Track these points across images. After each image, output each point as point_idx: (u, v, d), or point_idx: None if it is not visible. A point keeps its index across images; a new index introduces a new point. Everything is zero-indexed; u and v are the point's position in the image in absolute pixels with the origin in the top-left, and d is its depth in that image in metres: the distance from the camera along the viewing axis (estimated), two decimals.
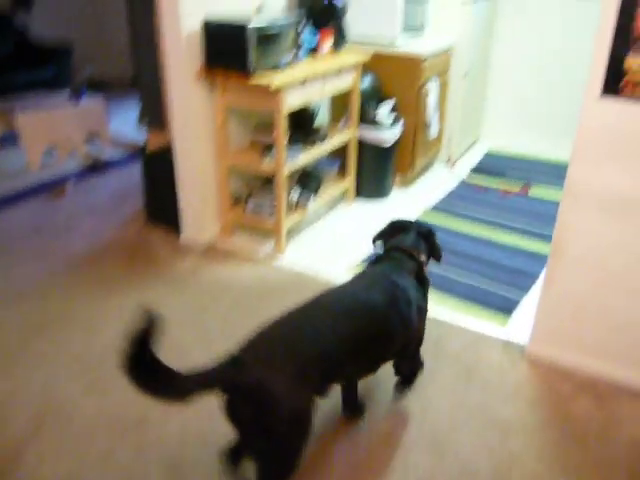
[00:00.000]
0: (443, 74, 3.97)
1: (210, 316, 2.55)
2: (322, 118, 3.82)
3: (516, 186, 4.06)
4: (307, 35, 3.04)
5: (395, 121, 3.54)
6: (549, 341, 2.28)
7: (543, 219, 3.60)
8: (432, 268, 2.18)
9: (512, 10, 4.53)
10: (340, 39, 3.25)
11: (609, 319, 2.13)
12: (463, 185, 4.12)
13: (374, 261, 1.91)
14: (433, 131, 3.88)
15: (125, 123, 5.25)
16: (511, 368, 2.28)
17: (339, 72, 3.10)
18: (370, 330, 1.62)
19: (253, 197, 3.13)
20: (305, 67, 2.84)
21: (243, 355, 1.41)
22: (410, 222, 2.00)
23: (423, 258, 1.90)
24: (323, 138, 3.24)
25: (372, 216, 3.55)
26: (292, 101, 2.75)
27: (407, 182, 3.99)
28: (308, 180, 3.24)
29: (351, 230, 3.38)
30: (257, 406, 1.34)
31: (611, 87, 1.77)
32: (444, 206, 3.73)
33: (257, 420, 1.36)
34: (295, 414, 1.40)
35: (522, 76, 4.70)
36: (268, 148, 2.95)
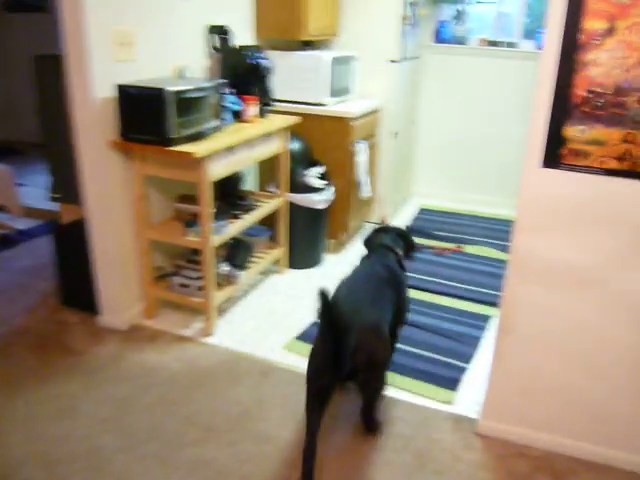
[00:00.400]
0: (372, 135, 3.94)
1: (134, 413, 2.26)
2: (250, 184, 3.68)
3: (450, 245, 4.03)
4: (231, 99, 2.91)
5: (326, 184, 3.44)
6: (501, 417, 2.16)
7: (479, 278, 3.56)
8: None
9: (436, 69, 4.64)
10: (266, 102, 3.14)
11: (563, 394, 2.03)
12: None
13: (365, 257, 2.40)
14: (365, 191, 3.81)
15: (39, 187, 4.90)
16: (464, 449, 2.13)
17: (266, 137, 2.97)
18: (387, 288, 2.11)
19: (179, 272, 2.91)
20: (231, 133, 2.69)
21: (356, 307, 1.89)
22: (390, 227, 2.55)
23: (401, 252, 2.40)
24: (251, 206, 3.08)
25: (306, 287, 3.39)
26: (217, 170, 2.59)
27: (340, 246, 3.88)
28: (238, 252, 3.05)
29: (285, 303, 3.20)
30: (377, 338, 1.86)
31: (551, 158, 1.72)
32: None
33: (376, 349, 1.85)
34: (389, 343, 1.96)
35: (448, 134, 4.79)
36: (193, 219, 2.75)
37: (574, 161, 1.71)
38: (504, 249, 4.04)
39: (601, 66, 1.60)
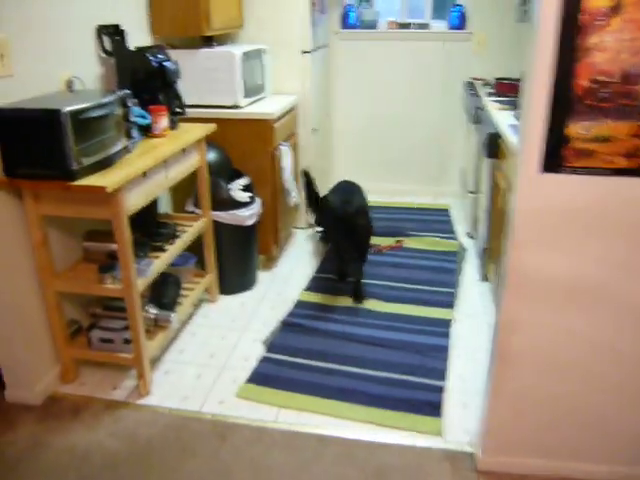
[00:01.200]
0: (293, 134, 3.59)
1: None
2: (164, 204, 3.21)
3: (388, 241, 3.79)
4: (137, 111, 2.44)
5: (252, 196, 3.06)
6: (503, 450, 1.93)
7: (427, 275, 3.35)
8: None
9: (346, 57, 4.36)
10: (177, 110, 2.70)
11: (572, 417, 1.83)
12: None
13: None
14: (293, 198, 3.46)
15: None
16: None
17: (182, 152, 2.54)
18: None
19: (98, 324, 2.43)
20: (143, 154, 2.24)
21: (345, 198, 3.11)
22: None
23: None
24: (174, 233, 2.65)
25: (242, 314, 3.01)
26: (134, 202, 2.14)
27: (273, 261, 3.52)
28: (165, 289, 2.61)
29: (224, 338, 2.80)
30: (364, 218, 3.03)
31: (552, 161, 1.47)
32: (318, 284, 3.31)
33: (365, 225, 3.02)
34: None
35: (367, 125, 4.55)
36: (108, 260, 2.29)
37: (577, 162, 1.48)
38: (443, 237, 3.86)
39: (606, 51, 1.36)
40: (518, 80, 3.73)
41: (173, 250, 2.55)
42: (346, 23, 4.29)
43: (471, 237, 3.86)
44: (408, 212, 4.36)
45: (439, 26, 4.24)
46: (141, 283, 2.24)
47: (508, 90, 3.59)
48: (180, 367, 2.56)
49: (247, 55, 3.14)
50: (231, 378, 2.49)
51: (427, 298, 3.12)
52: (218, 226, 2.98)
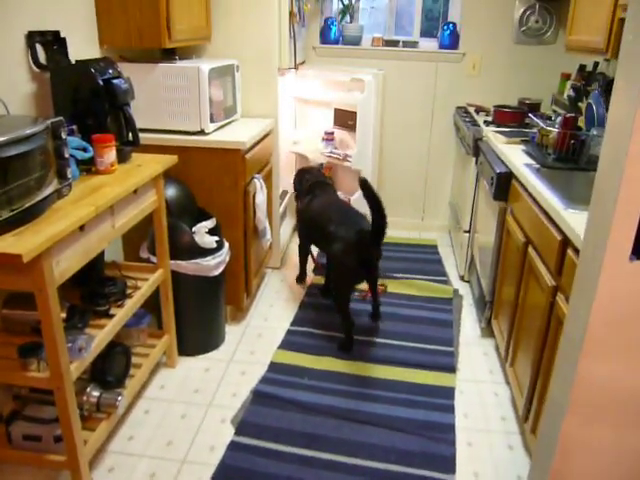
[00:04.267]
0: (267, 164, 3.11)
1: None
2: (111, 250, 2.68)
3: None
4: (75, 142, 1.93)
5: (219, 240, 2.56)
6: None
7: (419, 328, 2.90)
8: None
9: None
10: (128, 140, 2.20)
11: None
12: (311, 291, 3.29)
13: (309, 193, 3.05)
14: (267, 239, 2.98)
15: None
16: None
17: (134, 194, 2.03)
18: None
19: (21, 415, 1.88)
20: (81, 199, 1.73)
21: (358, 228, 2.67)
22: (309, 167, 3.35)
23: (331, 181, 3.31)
24: (122, 292, 2.13)
25: (207, 381, 2.50)
26: (67, 266, 1.62)
27: (242, 313, 3.02)
28: (110, 363, 2.08)
29: (185, 417, 2.29)
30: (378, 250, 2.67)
31: None
32: (295, 340, 2.83)
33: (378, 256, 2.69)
34: None
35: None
36: (34, 335, 1.76)
37: None
38: (432, 280, 3.43)
39: None
40: (519, 108, 3.36)
41: (122, 315, 2.03)
42: (326, 38, 3.85)
43: (466, 281, 3.44)
44: (392, 248, 3.91)
45: (429, 45, 3.84)
46: (77, 368, 1.72)
47: (509, 119, 3.21)
48: (129, 461, 2.04)
49: (216, 71, 2.66)
50: (194, 476, 1.98)
51: (424, 360, 2.67)
52: (179, 277, 2.47)
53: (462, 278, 3.48)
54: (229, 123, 2.92)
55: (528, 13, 3.61)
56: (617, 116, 1.17)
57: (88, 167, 1.97)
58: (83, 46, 2.39)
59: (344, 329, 2.74)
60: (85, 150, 1.95)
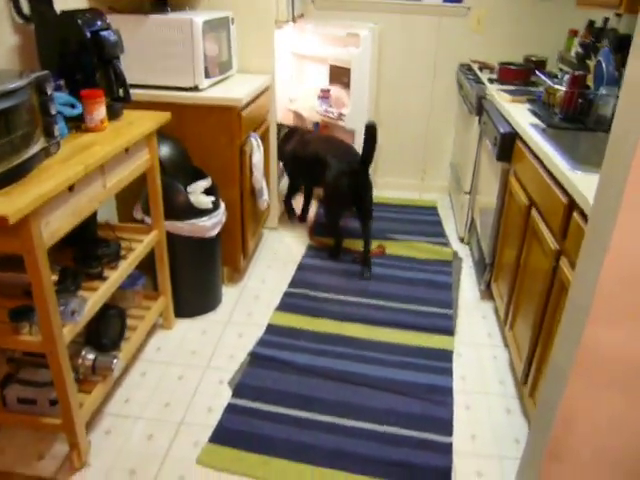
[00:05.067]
0: (264, 121, 3.02)
1: None
2: (105, 211, 2.62)
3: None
4: (62, 98, 1.85)
5: (215, 201, 2.50)
6: None
7: (417, 290, 2.87)
8: None
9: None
10: (118, 95, 2.11)
11: None
12: (310, 253, 3.25)
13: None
14: (263, 200, 2.92)
15: None
16: None
17: (126, 152, 1.96)
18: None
19: (15, 376, 1.86)
20: (69, 158, 1.66)
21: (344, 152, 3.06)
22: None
23: None
24: (116, 252, 2.08)
25: (204, 343, 2.48)
26: (56, 227, 1.56)
27: (239, 274, 2.98)
28: (105, 326, 2.05)
29: (182, 378, 2.27)
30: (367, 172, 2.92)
31: None
32: (293, 301, 2.80)
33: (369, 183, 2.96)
34: None
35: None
36: (22, 301, 1.71)
37: None
38: (433, 242, 3.39)
39: None
40: (525, 66, 3.25)
41: (116, 277, 1.98)
42: None
43: (466, 243, 3.40)
44: (391, 209, 3.87)
45: None
46: (70, 331, 1.68)
47: (514, 77, 3.10)
48: (126, 423, 2.03)
49: (210, 24, 2.55)
50: (191, 438, 1.98)
51: (422, 322, 2.65)
52: (174, 238, 2.42)
53: (462, 240, 3.44)
54: (225, 79, 2.82)
55: None
56: (636, 73, 1.10)
57: (77, 124, 1.89)
58: None
59: (335, 241, 3.17)
60: (73, 106, 1.87)
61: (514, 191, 2.39)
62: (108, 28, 2.06)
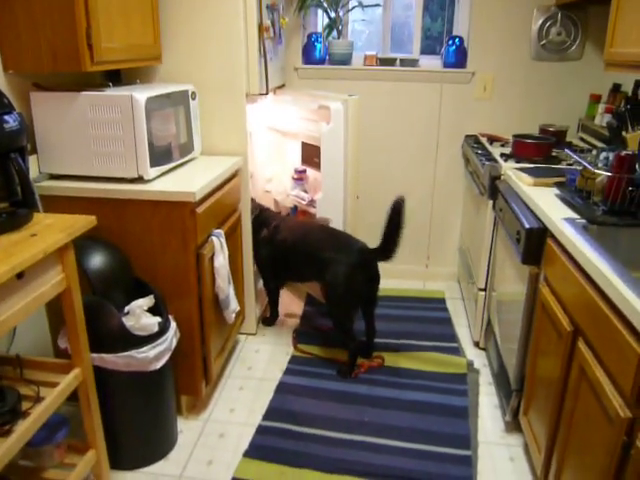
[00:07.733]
0: (233, 211, 2.51)
1: None
2: (23, 338, 2.06)
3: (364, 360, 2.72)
4: None
5: (161, 321, 1.94)
6: None
7: (426, 420, 2.25)
8: None
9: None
10: (21, 199, 1.60)
11: None
12: (292, 367, 2.67)
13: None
14: (232, 311, 2.36)
15: None
16: None
17: (19, 279, 1.42)
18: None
19: None
20: None
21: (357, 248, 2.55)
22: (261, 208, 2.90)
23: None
24: (16, 407, 1.52)
25: None
26: None
27: (202, 402, 2.39)
28: None
29: None
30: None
31: None
32: (268, 443, 2.19)
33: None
34: None
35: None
36: None
37: None
38: (441, 348, 2.81)
39: None
40: (544, 139, 2.76)
41: (14, 442, 1.41)
42: (310, 57, 3.27)
43: (482, 348, 2.82)
44: (392, 304, 3.29)
45: (431, 63, 3.26)
46: None
47: (533, 153, 2.60)
48: None
49: (159, 100, 2.08)
50: None
51: (432, 470, 2.04)
52: (106, 373, 1.85)
53: (477, 345, 2.85)
54: (182, 164, 2.33)
55: (548, 24, 3.03)
56: None
57: None
58: None
59: (351, 352, 2.59)
60: None
61: (548, 306, 1.83)
62: (11, 111, 1.57)
